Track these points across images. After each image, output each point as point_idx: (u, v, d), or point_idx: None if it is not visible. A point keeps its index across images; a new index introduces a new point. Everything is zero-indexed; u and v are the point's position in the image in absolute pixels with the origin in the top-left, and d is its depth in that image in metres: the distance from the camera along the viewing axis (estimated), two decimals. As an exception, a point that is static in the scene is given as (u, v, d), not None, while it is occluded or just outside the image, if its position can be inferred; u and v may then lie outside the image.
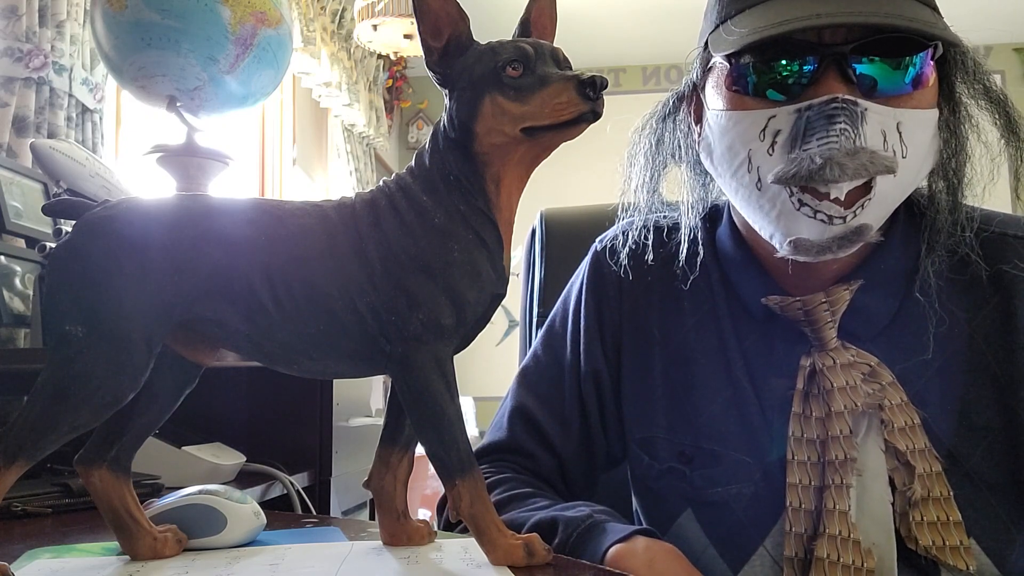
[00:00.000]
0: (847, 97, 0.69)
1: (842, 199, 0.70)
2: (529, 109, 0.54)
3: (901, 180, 0.72)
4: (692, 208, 0.85)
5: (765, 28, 0.70)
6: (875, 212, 0.72)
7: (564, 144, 0.57)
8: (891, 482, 0.73)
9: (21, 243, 1.31)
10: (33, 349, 1.18)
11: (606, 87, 0.54)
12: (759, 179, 0.73)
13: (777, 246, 0.75)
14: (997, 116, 0.76)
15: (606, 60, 5.22)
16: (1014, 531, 0.74)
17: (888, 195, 0.72)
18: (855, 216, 0.70)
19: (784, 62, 0.71)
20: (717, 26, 0.76)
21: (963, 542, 0.71)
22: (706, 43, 0.78)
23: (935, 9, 0.74)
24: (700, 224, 0.85)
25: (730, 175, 0.76)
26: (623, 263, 0.87)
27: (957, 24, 0.73)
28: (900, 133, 0.70)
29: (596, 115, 0.54)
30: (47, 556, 0.60)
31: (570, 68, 0.57)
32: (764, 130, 0.72)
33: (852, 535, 0.72)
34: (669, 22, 4.62)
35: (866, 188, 0.70)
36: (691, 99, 0.82)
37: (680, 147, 0.83)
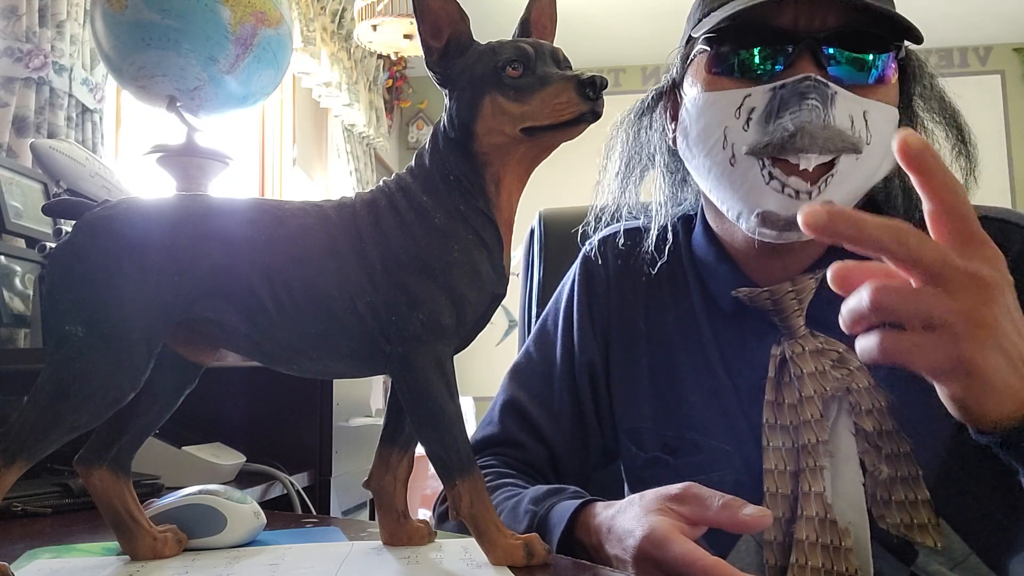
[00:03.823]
0: (819, 77, 0.73)
1: (810, 171, 0.73)
2: (529, 109, 0.54)
3: (864, 164, 0.75)
4: (664, 205, 0.88)
5: (747, 2, 0.74)
6: (839, 191, 0.75)
7: (564, 144, 0.57)
8: (863, 464, 0.75)
9: (21, 243, 1.31)
10: (33, 349, 1.18)
11: (606, 87, 0.54)
12: (733, 154, 0.76)
13: (743, 224, 0.78)
14: (949, 129, 0.80)
15: (606, 60, 5.23)
16: (984, 509, 0.75)
17: (850, 176, 0.75)
18: (820, 192, 0.74)
19: (763, 46, 0.75)
20: (700, 20, 0.81)
21: (931, 520, 0.73)
22: (688, 39, 0.83)
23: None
24: (673, 223, 0.89)
25: (704, 154, 0.79)
26: (609, 263, 0.91)
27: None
28: (866, 121, 0.74)
29: (596, 115, 0.54)
30: (47, 556, 0.60)
31: (570, 68, 0.57)
32: (740, 107, 0.76)
33: (829, 515, 0.74)
34: (669, 22, 4.62)
35: (830, 165, 0.74)
36: (669, 97, 0.87)
37: (655, 144, 0.88)
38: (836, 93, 0.73)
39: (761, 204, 0.75)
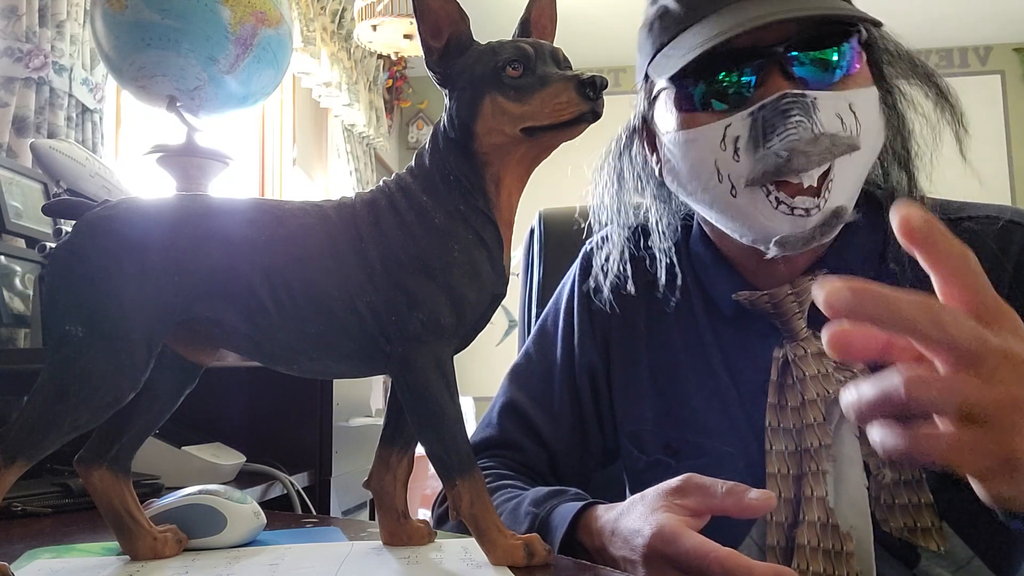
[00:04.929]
0: (794, 92, 0.72)
1: (815, 186, 0.73)
2: (529, 109, 0.54)
3: (859, 156, 0.75)
4: (663, 234, 0.87)
5: (703, 43, 0.73)
6: (843, 191, 0.74)
7: (564, 144, 0.57)
8: (867, 467, 0.75)
9: (21, 243, 1.31)
10: (33, 349, 1.18)
11: (606, 87, 0.54)
12: (732, 186, 0.75)
13: (763, 248, 0.76)
14: (927, 88, 0.80)
15: (606, 60, 5.22)
16: (986, 512, 0.74)
17: (849, 172, 0.74)
18: (826, 201, 0.73)
19: (728, 73, 0.74)
20: (654, 55, 0.80)
21: (934, 523, 0.73)
22: (646, 75, 0.82)
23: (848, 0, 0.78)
24: (675, 242, 0.88)
25: (702, 190, 0.78)
26: (611, 269, 0.90)
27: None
28: (854, 112, 0.74)
29: (596, 115, 0.54)
30: (47, 556, 0.60)
31: (570, 68, 0.57)
32: (723, 139, 0.75)
33: (831, 520, 0.73)
34: (669, 22, 4.62)
35: (825, 172, 0.73)
36: (642, 131, 0.86)
37: (640, 178, 0.87)
38: (816, 98, 0.72)
39: (776, 230, 0.74)
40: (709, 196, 0.78)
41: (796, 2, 0.73)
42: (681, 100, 0.78)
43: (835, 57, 0.74)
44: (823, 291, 0.46)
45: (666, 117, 0.80)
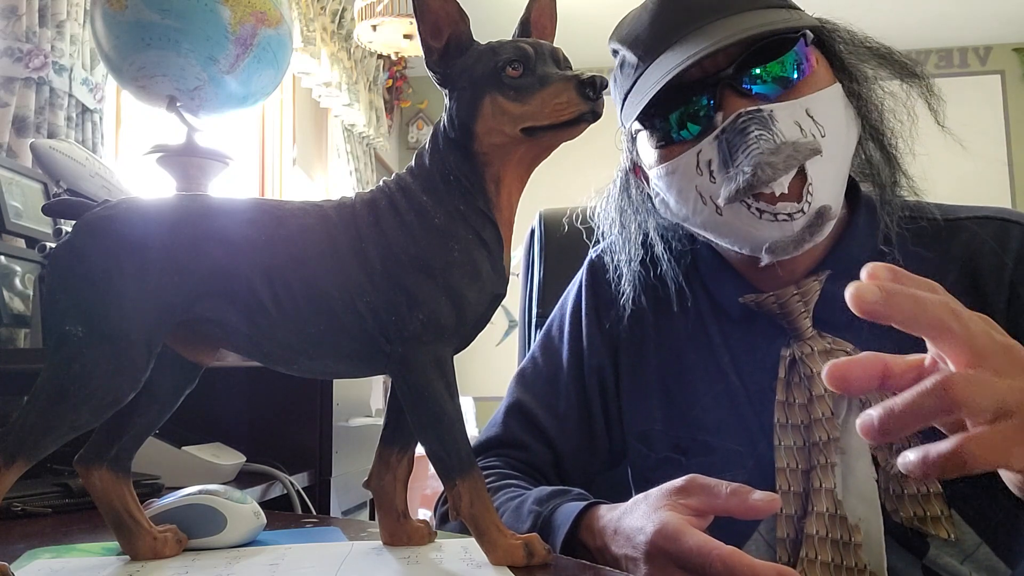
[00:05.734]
0: (749, 109, 0.75)
1: (787, 192, 0.74)
2: (529, 109, 0.54)
3: (831, 155, 0.76)
4: (671, 262, 0.89)
5: (654, 84, 0.77)
6: (824, 191, 0.76)
7: (564, 144, 0.57)
8: (875, 460, 0.76)
9: (21, 243, 1.31)
10: (33, 349, 1.19)
11: (606, 87, 0.54)
12: (716, 206, 0.78)
13: (758, 257, 0.79)
14: (890, 67, 0.82)
15: (606, 60, 5.21)
16: (994, 499, 0.75)
17: (826, 173, 0.76)
18: (808, 204, 0.75)
19: (689, 103, 0.78)
20: (623, 103, 0.84)
21: (943, 512, 0.74)
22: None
23: (790, 6, 0.81)
24: (681, 262, 0.90)
25: (692, 214, 0.81)
26: (627, 303, 0.91)
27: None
28: (812, 117, 0.76)
29: (596, 115, 0.54)
30: (47, 556, 0.60)
31: (570, 68, 0.57)
32: (698, 165, 0.78)
33: (839, 512, 0.75)
34: (669, 22, 4.62)
35: (802, 177, 0.75)
36: (636, 170, 0.90)
37: (641, 212, 0.90)
38: (772, 111, 0.74)
39: (764, 238, 0.76)
40: (699, 219, 0.81)
41: (736, 26, 0.75)
42: (655, 139, 0.82)
43: (784, 67, 0.76)
44: (853, 289, 0.47)
45: (647, 154, 0.84)
